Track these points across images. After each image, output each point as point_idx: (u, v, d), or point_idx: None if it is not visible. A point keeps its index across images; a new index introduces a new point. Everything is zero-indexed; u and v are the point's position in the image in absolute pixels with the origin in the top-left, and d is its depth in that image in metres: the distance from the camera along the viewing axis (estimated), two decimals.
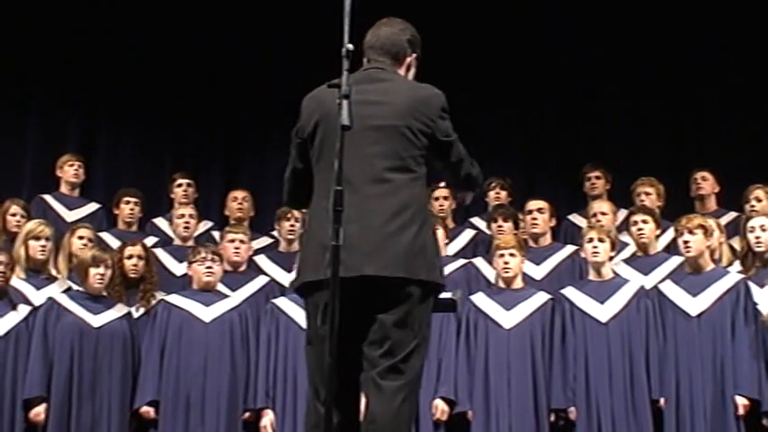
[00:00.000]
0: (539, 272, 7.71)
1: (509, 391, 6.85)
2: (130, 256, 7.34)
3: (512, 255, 7.06)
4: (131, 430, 6.94)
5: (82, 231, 7.74)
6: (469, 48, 10.00)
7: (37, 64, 10.19)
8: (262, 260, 8.20)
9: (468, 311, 7.05)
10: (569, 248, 7.90)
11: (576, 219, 8.76)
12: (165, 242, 8.60)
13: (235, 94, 10.35)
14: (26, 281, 7.33)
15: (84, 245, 7.55)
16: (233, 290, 7.55)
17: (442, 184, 7.74)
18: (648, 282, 7.18)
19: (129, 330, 7.01)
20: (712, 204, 8.48)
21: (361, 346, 3.86)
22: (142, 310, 7.25)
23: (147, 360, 7.00)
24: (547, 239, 7.98)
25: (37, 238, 7.37)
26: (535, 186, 9.93)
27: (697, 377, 6.63)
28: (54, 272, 7.51)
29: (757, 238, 6.95)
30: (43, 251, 7.38)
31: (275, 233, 8.50)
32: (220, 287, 7.38)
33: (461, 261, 7.74)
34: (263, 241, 8.66)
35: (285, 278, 7.82)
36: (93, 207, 9.04)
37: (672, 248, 7.56)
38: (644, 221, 7.41)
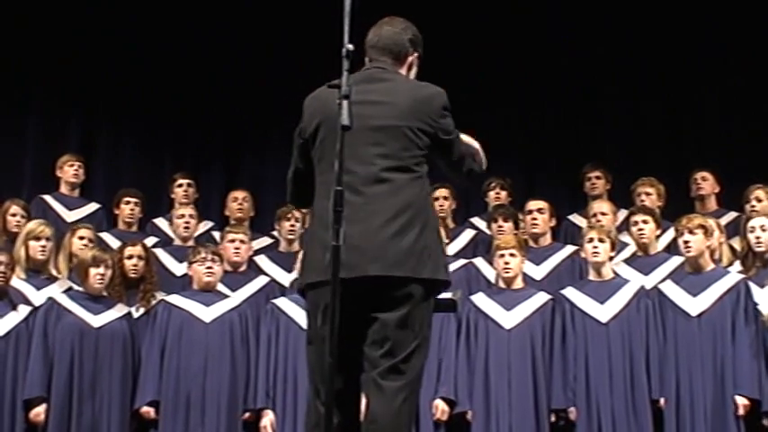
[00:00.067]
0: (539, 272, 7.71)
1: (509, 392, 6.85)
2: (130, 257, 7.35)
3: (512, 255, 7.06)
4: (131, 430, 6.94)
5: (82, 231, 7.75)
6: (469, 48, 10.00)
7: (37, 64, 10.19)
8: (262, 260, 8.21)
9: (468, 311, 7.05)
10: (569, 248, 7.90)
11: (576, 219, 8.76)
12: (165, 242, 8.60)
13: (235, 94, 10.34)
14: (26, 281, 7.33)
15: (85, 245, 7.55)
16: (233, 290, 7.55)
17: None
18: (649, 282, 7.18)
19: (129, 330, 7.01)
20: (712, 204, 8.48)
21: (362, 346, 3.86)
22: (142, 311, 7.25)
23: (148, 360, 7.00)
24: (547, 239, 7.99)
25: (37, 238, 7.37)
26: (535, 186, 9.93)
27: (697, 377, 6.64)
28: (54, 272, 7.50)
29: (757, 238, 6.95)
30: (43, 251, 7.38)
31: (275, 233, 8.50)
32: (220, 287, 7.38)
33: (461, 261, 7.74)
34: (264, 241, 8.66)
35: (285, 278, 7.83)
36: (92, 207, 9.03)
37: (672, 248, 7.56)
38: (644, 221, 7.42)
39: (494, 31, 10.15)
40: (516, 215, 8.06)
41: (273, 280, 7.89)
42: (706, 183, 8.50)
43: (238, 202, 8.79)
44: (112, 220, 8.85)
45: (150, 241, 8.35)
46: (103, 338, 6.89)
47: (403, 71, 4.14)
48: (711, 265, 6.93)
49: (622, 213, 8.20)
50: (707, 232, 6.85)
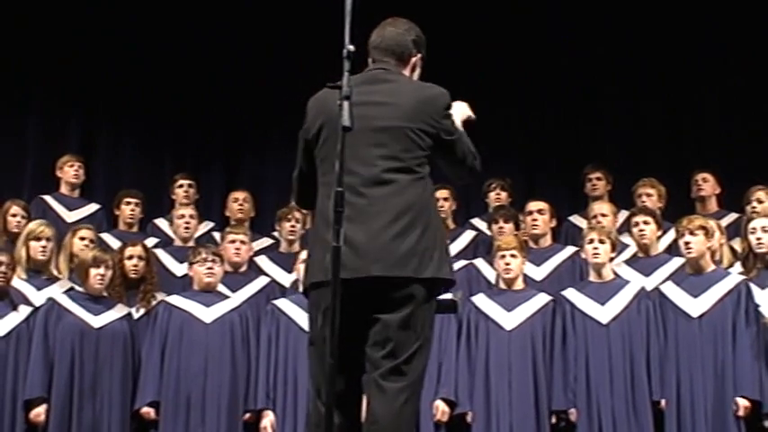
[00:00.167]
0: (539, 273, 7.71)
1: (510, 393, 6.85)
2: (131, 257, 7.35)
3: (513, 256, 7.06)
4: (132, 431, 6.93)
5: (83, 232, 7.74)
6: (469, 48, 9.99)
7: (37, 64, 10.19)
8: (262, 261, 8.21)
9: (468, 312, 7.05)
10: (570, 249, 7.90)
11: (576, 220, 8.75)
12: (165, 243, 8.59)
13: (235, 94, 10.34)
14: (27, 281, 7.33)
15: (86, 245, 7.55)
16: (233, 291, 7.55)
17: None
18: (650, 283, 7.18)
19: (129, 331, 7.01)
20: (713, 206, 8.48)
21: (364, 347, 3.86)
22: (142, 311, 7.25)
23: (148, 361, 6.99)
24: (547, 240, 7.98)
25: (38, 238, 7.38)
26: (535, 187, 9.93)
27: (698, 378, 6.63)
28: (55, 272, 7.50)
29: (758, 239, 6.94)
30: (44, 252, 7.38)
31: (276, 234, 8.50)
32: (221, 288, 7.38)
33: (462, 262, 7.72)
34: (264, 242, 8.66)
35: (286, 279, 7.84)
36: (92, 208, 9.03)
37: (673, 250, 7.56)
38: (645, 222, 7.42)
39: (494, 31, 10.15)
40: (517, 216, 8.05)
41: (274, 281, 7.90)
42: (707, 184, 8.50)
43: (239, 202, 8.79)
44: (113, 221, 8.86)
45: (151, 242, 8.35)
46: (104, 339, 6.89)
47: (406, 72, 4.14)
48: (712, 267, 6.93)
49: (623, 214, 8.21)
50: (708, 233, 6.85)
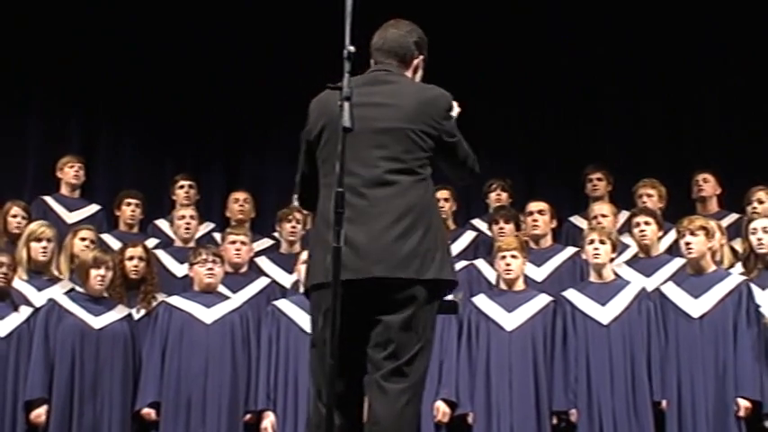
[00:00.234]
0: (540, 273, 7.71)
1: (510, 393, 6.84)
2: (131, 258, 7.34)
3: (513, 256, 7.06)
4: None
5: (84, 233, 7.74)
6: (469, 48, 9.99)
7: (37, 64, 10.18)
8: (263, 262, 8.21)
9: (469, 313, 7.05)
10: (570, 250, 7.90)
11: (577, 220, 8.76)
12: (166, 244, 8.58)
13: (235, 94, 10.34)
14: (28, 282, 7.33)
15: (86, 246, 7.55)
16: (234, 291, 7.54)
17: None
18: (651, 283, 7.18)
19: (129, 332, 7.00)
20: (714, 206, 8.48)
21: (366, 348, 3.86)
22: (143, 312, 7.25)
23: (148, 362, 6.99)
24: (548, 241, 7.99)
25: (39, 239, 7.38)
26: (536, 187, 9.93)
27: (699, 379, 6.63)
28: (56, 273, 7.50)
29: (759, 239, 6.94)
30: (45, 253, 7.38)
31: (276, 235, 8.50)
32: (221, 289, 7.37)
33: (463, 263, 7.71)
34: (265, 243, 8.66)
35: (286, 280, 7.83)
36: (93, 209, 9.03)
37: (674, 250, 7.56)
38: (646, 223, 7.43)
39: (494, 31, 10.15)
40: (517, 216, 8.04)
41: (274, 281, 7.89)
42: (707, 184, 8.50)
43: (239, 203, 8.78)
44: (113, 222, 8.86)
45: (151, 242, 8.34)
46: (104, 340, 6.88)
47: (408, 74, 4.15)
48: (713, 267, 6.93)
49: (623, 215, 8.21)
50: (708, 234, 6.85)
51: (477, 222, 8.86)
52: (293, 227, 8.14)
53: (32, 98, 10.40)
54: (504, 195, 8.77)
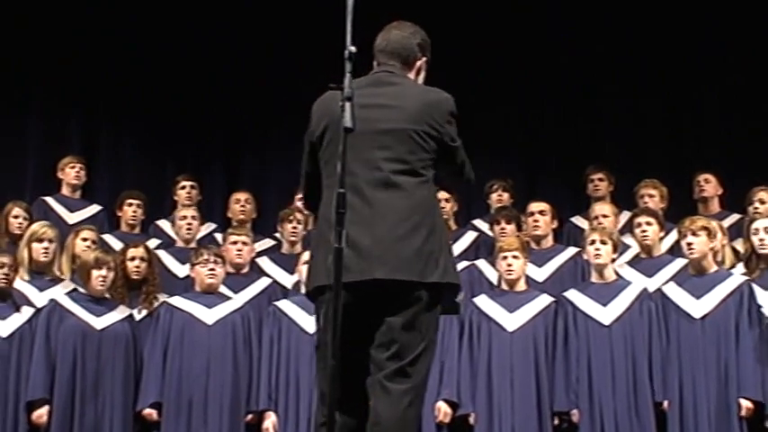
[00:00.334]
0: (541, 274, 7.71)
1: (512, 394, 6.85)
2: (133, 258, 7.34)
3: (515, 257, 7.06)
4: None
5: (85, 233, 7.74)
6: (469, 47, 9.99)
7: (37, 64, 10.18)
8: (264, 262, 8.20)
9: (470, 314, 7.05)
10: (571, 250, 7.90)
11: (578, 221, 8.77)
12: (167, 244, 8.57)
13: (235, 94, 10.34)
14: (30, 283, 7.34)
15: (88, 246, 7.55)
16: (235, 292, 7.54)
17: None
18: (653, 284, 7.18)
19: (131, 332, 7.02)
20: (715, 206, 8.48)
21: (369, 349, 3.86)
22: (144, 312, 7.26)
23: (150, 362, 7.00)
24: (549, 241, 7.99)
25: (40, 240, 7.39)
26: (537, 188, 9.92)
27: (700, 379, 6.63)
28: (58, 273, 7.50)
29: (761, 240, 6.94)
30: (46, 253, 7.39)
31: (278, 235, 8.49)
32: (223, 289, 7.37)
33: (464, 263, 7.71)
34: (266, 243, 8.65)
35: (288, 280, 7.83)
36: (94, 209, 9.02)
37: (675, 250, 7.56)
38: (648, 223, 7.43)
39: (494, 30, 10.15)
40: (519, 217, 8.03)
41: (276, 282, 7.89)
42: (709, 185, 8.50)
43: (240, 203, 8.78)
44: (114, 222, 8.87)
45: (153, 243, 8.34)
46: (106, 340, 6.90)
47: (411, 75, 4.15)
48: (715, 267, 6.92)
49: (624, 215, 8.21)
50: (710, 234, 6.86)
51: (478, 223, 8.84)
52: (294, 227, 8.14)
53: (33, 98, 10.40)
54: (506, 196, 8.76)
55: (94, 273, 6.94)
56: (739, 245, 7.49)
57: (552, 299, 7.10)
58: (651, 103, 10.45)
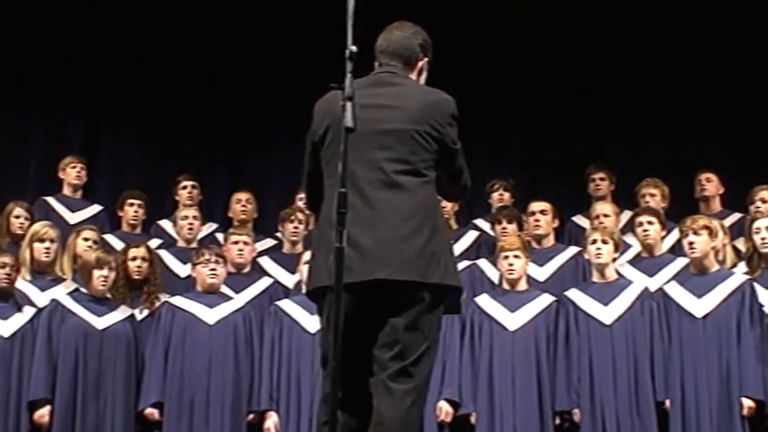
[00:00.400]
0: (542, 273, 7.71)
1: (513, 393, 6.84)
2: (134, 258, 7.35)
3: (516, 256, 7.06)
4: None
5: (87, 233, 7.73)
6: (470, 48, 9.99)
7: (37, 64, 10.18)
8: (265, 262, 8.19)
9: (472, 313, 7.05)
10: (572, 250, 7.91)
11: (579, 220, 8.77)
12: (168, 244, 8.58)
13: (236, 94, 10.34)
14: (31, 282, 7.34)
15: (89, 246, 7.54)
16: (237, 292, 7.54)
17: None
18: (654, 283, 7.18)
19: (132, 332, 7.02)
20: (717, 206, 8.49)
21: (372, 350, 3.86)
22: (146, 312, 7.26)
23: (151, 362, 7.00)
24: (550, 241, 7.99)
25: (42, 240, 7.40)
26: (538, 187, 9.92)
27: (702, 379, 6.62)
28: (60, 273, 7.50)
29: (763, 239, 6.94)
30: (47, 253, 7.39)
31: (279, 235, 8.50)
32: (224, 289, 7.37)
33: (465, 263, 7.72)
34: (267, 243, 8.65)
35: (289, 280, 7.83)
36: (95, 209, 9.02)
37: (677, 250, 7.56)
38: (649, 222, 7.43)
39: (494, 31, 10.16)
40: (520, 216, 8.03)
41: (277, 282, 7.89)
42: (710, 184, 8.50)
43: (242, 203, 8.78)
44: (116, 222, 8.87)
45: (154, 243, 8.35)
46: (107, 340, 6.90)
47: (413, 76, 4.14)
48: (716, 267, 6.92)
49: (626, 215, 8.21)
50: (711, 233, 6.85)
51: (479, 222, 8.84)
52: (296, 227, 8.13)
53: (33, 98, 10.40)
54: (507, 195, 8.77)
55: (96, 273, 6.94)
56: (741, 244, 7.49)
57: (553, 298, 7.10)
58: (651, 105, 10.46)
